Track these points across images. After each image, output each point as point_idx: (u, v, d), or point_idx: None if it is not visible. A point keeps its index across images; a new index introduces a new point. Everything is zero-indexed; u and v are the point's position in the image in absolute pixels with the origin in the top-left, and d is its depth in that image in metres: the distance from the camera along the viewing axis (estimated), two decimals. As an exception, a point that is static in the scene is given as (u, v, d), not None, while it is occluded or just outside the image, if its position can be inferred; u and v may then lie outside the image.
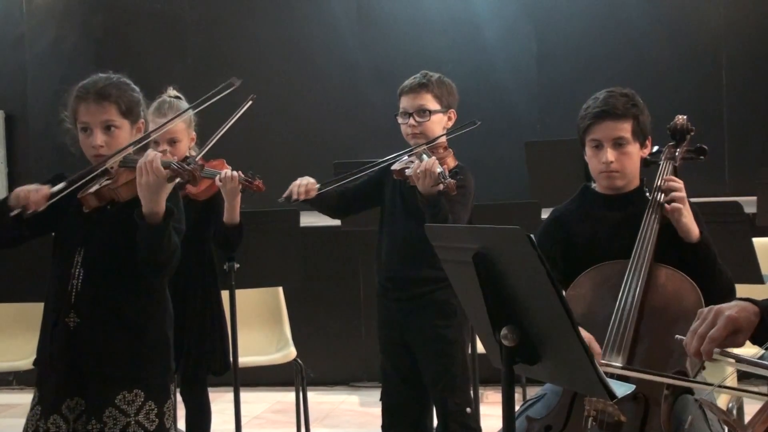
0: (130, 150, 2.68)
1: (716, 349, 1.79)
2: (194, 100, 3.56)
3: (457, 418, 3.36)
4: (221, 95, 2.72)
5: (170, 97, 3.54)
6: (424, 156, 3.20)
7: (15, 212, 2.54)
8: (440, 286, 3.26)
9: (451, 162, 3.31)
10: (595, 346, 2.44)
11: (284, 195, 3.39)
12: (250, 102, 3.24)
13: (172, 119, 3.02)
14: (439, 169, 3.09)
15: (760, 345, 1.89)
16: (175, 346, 2.85)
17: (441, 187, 3.07)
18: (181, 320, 3.37)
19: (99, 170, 2.61)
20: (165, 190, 2.52)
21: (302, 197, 3.37)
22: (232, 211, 3.41)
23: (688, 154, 2.84)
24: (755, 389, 1.96)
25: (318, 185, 3.41)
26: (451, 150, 3.37)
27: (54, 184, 2.66)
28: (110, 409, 2.58)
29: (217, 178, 3.36)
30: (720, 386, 1.97)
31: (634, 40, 7.47)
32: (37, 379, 2.72)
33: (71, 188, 2.59)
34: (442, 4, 7.79)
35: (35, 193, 2.56)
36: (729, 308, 1.82)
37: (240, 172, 3.36)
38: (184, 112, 3.20)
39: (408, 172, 3.27)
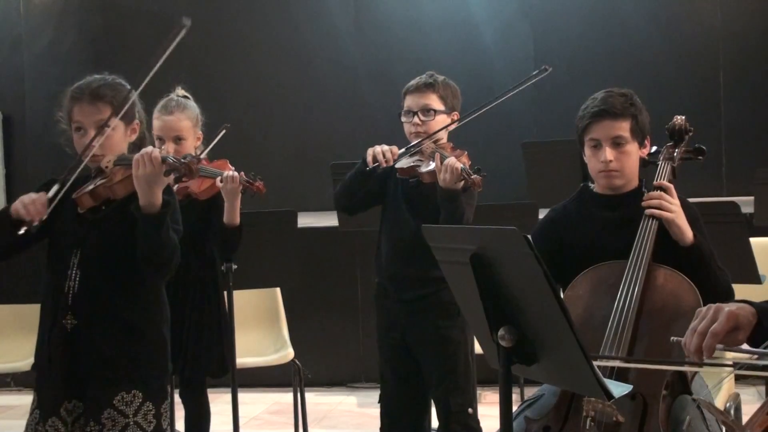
0: (124, 147, 2.69)
1: (719, 345, 1.79)
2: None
3: (459, 419, 3.35)
4: (176, 41, 2.73)
5: (178, 95, 3.56)
6: (437, 155, 3.22)
7: (23, 230, 2.55)
8: (445, 285, 3.24)
9: (466, 161, 3.28)
10: None
11: (370, 165, 3.29)
12: (224, 131, 3.32)
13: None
14: (461, 165, 3.10)
15: (757, 347, 1.90)
16: (173, 347, 2.85)
17: (463, 183, 3.09)
18: (180, 321, 3.37)
19: (85, 163, 2.62)
20: (161, 183, 2.54)
21: (391, 162, 3.30)
22: (232, 212, 3.41)
23: (686, 155, 2.84)
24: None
25: (399, 150, 3.35)
26: (464, 151, 3.36)
27: (47, 188, 2.67)
28: (109, 410, 2.58)
29: (218, 178, 3.36)
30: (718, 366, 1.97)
31: (632, 40, 7.48)
32: (35, 382, 2.72)
33: (66, 186, 2.59)
34: (440, 5, 7.80)
35: (34, 205, 2.55)
36: (728, 305, 1.84)
37: (242, 173, 3.37)
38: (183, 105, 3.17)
39: (421, 169, 3.27)
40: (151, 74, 2.69)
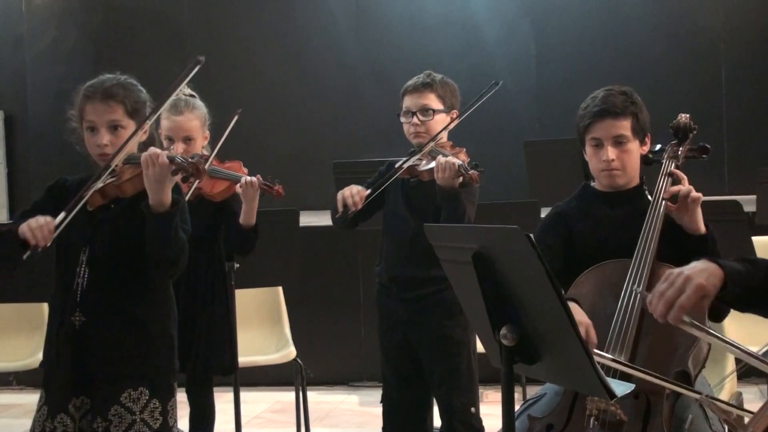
0: (134, 147, 2.68)
1: (685, 317, 1.85)
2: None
3: (462, 418, 3.35)
4: (191, 75, 2.71)
5: (185, 95, 3.55)
6: (434, 155, 3.21)
7: (27, 255, 2.51)
8: (447, 285, 3.22)
9: (465, 158, 3.30)
10: (592, 335, 2.40)
11: (339, 212, 3.30)
12: (237, 117, 3.30)
13: (160, 107, 2.96)
14: (458, 162, 3.10)
15: (733, 306, 1.94)
16: (184, 346, 2.85)
17: (461, 179, 3.10)
18: (190, 320, 3.39)
19: (105, 174, 2.61)
20: (170, 182, 2.55)
21: (359, 206, 3.30)
22: (250, 213, 3.42)
23: (690, 153, 2.84)
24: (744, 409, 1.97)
25: (367, 190, 3.34)
26: (462, 148, 3.37)
27: (56, 189, 2.71)
28: (116, 407, 2.59)
29: (239, 183, 3.37)
30: (712, 398, 1.99)
31: (633, 39, 7.47)
32: (43, 379, 2.73)
33: (73, 212, 2.57)
34: (441, 4, 7.80)
35: (41, 230, 2.51)
36: (697, 274, 1.86)
37: (259, 176, 3.38)
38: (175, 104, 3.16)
39: (420, 168, 3.28)
40: (165, 106, 2.74)
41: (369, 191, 3.34)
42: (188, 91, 3.56)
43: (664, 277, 1.89)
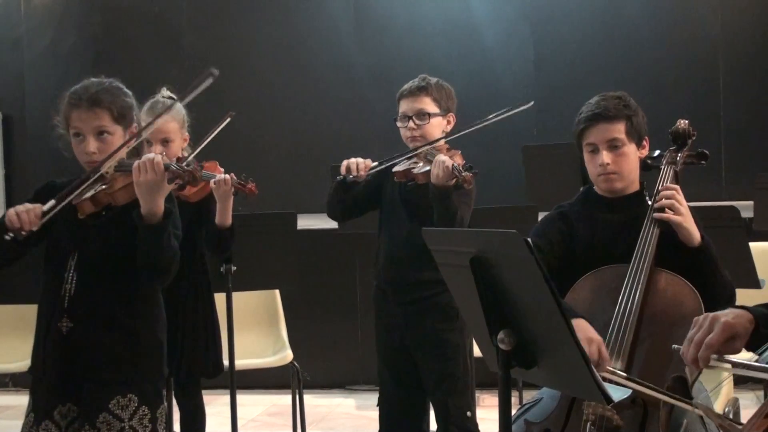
0: (123, 153, 2.65)
1: (713, 356, 1.81)
2: (191, 101, 3.58)
3: (458, 422, 3.35)
4: (203, 86, 2.70)
5: (164, 97, 3.52)
6: (429, 157, 3.22)
7: (9, 236, 2.51)
8: (443, 288, 3.23)
9: (460, 160, 3.30)
10: (604, 352, 2.38)
11: (342, 174, 3.34)
12: (229, 119, 3.25)
13: (159, 116, 2.96)
14: (453, 163, 3.11)
15: (754, 351, 1.90)
16: (169, 349, 2.83)
17: (455, 181, 3.10)
18: (173, 323, 3.35)
19: (94, 177, 2.58)
20: (164, 191, 2.52)
21: (362, 173, 3.33)
22: (225, 213, 3.40)
23: (689, 159, 2.84)
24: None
25: (374, 163, 3.37)
26: (458, 150, 3.37)
27: (44, 193, 2.67)
28: (104, 414, 2.56)
29: (212, 181, 3.35)
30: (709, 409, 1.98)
31: (632, 44, 7.49)
32: (31, 385, 2.71)
33: (63, 203, 2.56)
34: (440, 7, 7.81)
35: (27, 214, 2.52)
36: (725, 315, 1.84)
37: (233, 174, 3.36)
38: (170, 107, 3.18)
39: (415, 171, 3.28)
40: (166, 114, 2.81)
41: (375, 164, 3.36)
42: (167, 93, 3.53)
43: (692, 324, 1.88)
